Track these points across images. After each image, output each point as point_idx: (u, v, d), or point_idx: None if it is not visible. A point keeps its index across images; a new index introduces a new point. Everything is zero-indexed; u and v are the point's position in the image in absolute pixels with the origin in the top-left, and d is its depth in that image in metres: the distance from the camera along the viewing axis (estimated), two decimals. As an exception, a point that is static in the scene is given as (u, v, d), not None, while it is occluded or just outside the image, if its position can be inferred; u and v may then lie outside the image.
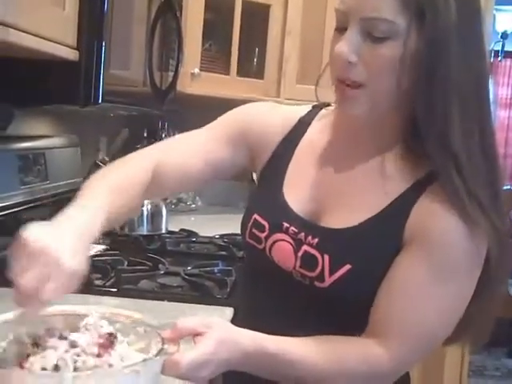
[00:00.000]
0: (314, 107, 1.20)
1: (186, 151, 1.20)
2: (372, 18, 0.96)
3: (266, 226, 1.10)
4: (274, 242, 1.09)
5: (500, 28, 6.06)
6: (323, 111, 1.19)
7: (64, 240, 0.88)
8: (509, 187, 4.81)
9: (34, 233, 0.87)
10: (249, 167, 1.23)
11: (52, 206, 1.99)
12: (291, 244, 1.07)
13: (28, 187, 1.80)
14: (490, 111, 1.02)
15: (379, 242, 1.01)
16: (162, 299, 1.51)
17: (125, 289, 1.55)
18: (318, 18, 2.71)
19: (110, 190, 1.03)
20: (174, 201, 2.94)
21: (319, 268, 1.02)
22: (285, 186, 1.13)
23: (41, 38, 1.20)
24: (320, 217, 1.08)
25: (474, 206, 0.95)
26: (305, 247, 1.05)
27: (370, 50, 0.97)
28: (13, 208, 1.71)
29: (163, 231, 2.23)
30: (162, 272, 1.71)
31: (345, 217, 1.04)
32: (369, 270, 1.00)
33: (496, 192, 1.00)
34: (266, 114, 1.21)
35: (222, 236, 2.24)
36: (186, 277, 1.66)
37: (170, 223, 2.33)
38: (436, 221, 0.97)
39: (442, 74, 0.96)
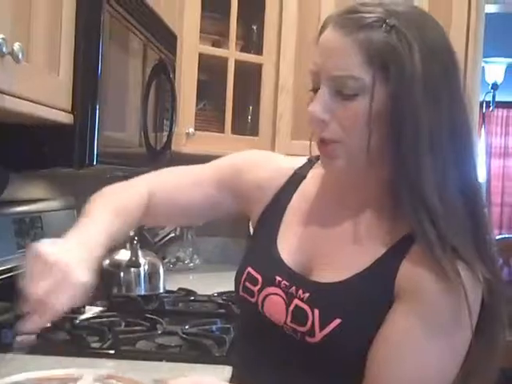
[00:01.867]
0: (309, 160, 1.22)
1: (176, 184, 1.25)
2: (339, 76, 0.98)
3: (260, 279, 1.11)
4: (266, 296, 1.09)
5: (490, 79, 6.15)
6: (317, 164, 1.19)
7: (74, 254, 0.97)
8: (506, 236, 4.80)
9: (47, 246, 0.97)
10: (239, 213, 1.25)
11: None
12: (283, 298, 1.07)
13: (25, 251, 1.79)
14: (470, 159, 1.02)
15: (369, 296, 1.01)
16: (161, 359, 1.50)
17: (122, 350, 1.54)
18: (308, 76, 2.73)
19: (111, 212, 1.11)
20: (173, 260, 2.94)
21: (309, 323, 1.02)
22: (279, 238, 1.14)
23: (36, 103, 1.22)
24: (311, 271, 1.08)
25: (452, 260, 0.94)
26: (296, 301, 1.05)
27: (342, 107, 0.99)
28: (10, 272, 1.71)
29: (161, 291, 2.22)
30: (160, 332, 1.70)
31: (334, 271, 1.05)
32: (359, 324, 1.00)
33: (483, 240, 0.99)
34: (263, 165, 1.23)
35: (220, 294, 2.23)
36: (185, 336, 1.64)
37: (169, 282, 2.32)
38: (421, 279, 0.97)
39: (410, 128, 0.96)
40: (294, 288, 1.06)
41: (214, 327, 1.76)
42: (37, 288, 0.92)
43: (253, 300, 1.10)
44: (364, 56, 0.97)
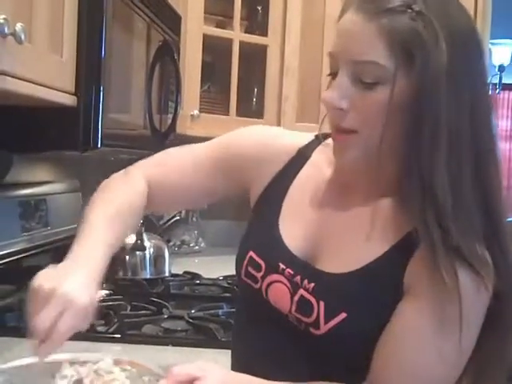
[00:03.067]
0: (316, 137, 1.17)
1: (175, 169, 1.21)
2: (360, 62, 0.94)
3: (263, 265, 1.07)
4: (271, 283, 1.06)
5: (496, 61, 6.10)
6: (324, 143, 1.14)
7: (73, 278, 0.94)
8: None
9: (43, 277, 0.93)
10: (238, 194, 1.22)
11: (54, 252, 1.98)
12: (287, 287, 1.04)
13: (29, 234, 1.79)
14: (490, 156, 0.97)
15: (376, 291, 0.98)
16: (167, 344, 1.49)
17: (128, 334, 1.53)
18: (315, 56, 2.72)
19: (111, 220, 1.07)
20: (178, 243, 2.93)
21: (315, 314, 1.00)
22: (281, 221, 1.09)
23: (38, 85, 1.20)
24: (317, 258, 1.05)
25: (452, 264, 0.91)
26: (301, 291, 1.02)
27: (361, 96, 0.95)
28: (14, 255, 1.71)
29: (166, 274, 2.21)
30: (166, 316, 1.69)
31: (341, 261, 1.02)
32: (364, 319, 0.98)
33: (496, 241, 0.96)
34: (264, 143, 1.17)
35: (225, 277, 2.23)
36: (190, 320, 1.63)
37: (174, 266, 2.31)
38: (428, 277, 0.93)
39: (429, 122, 0.92)
40: (298, 277, 1.03)
41: (219, 311, 1.75)
42: (41, 319, 0.90)
43: (256, 286, 1.07)
44: (388, 43, 0.92)
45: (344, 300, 0.99)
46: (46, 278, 0.93)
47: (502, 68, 6.16)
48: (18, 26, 1.05)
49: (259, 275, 1.07)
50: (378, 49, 0.92)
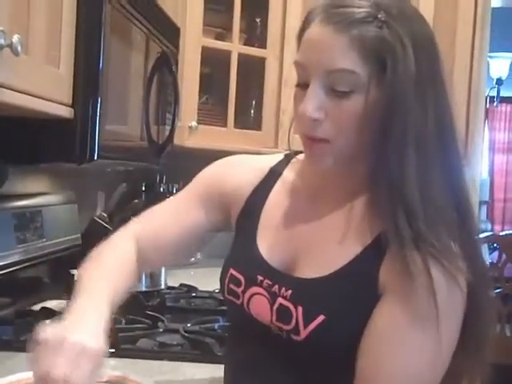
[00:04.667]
0: (286, 156, 1.20)
1: (160, 222, 1.21)
2: (335, 71, 0.95)
3: (242, 280, 1.09)
4: (251, 296, 1.07)
5: (494, 74, 6.11)
6: (295, 159, 1.18)
7: (82, 327, 0.92)
8: (510, 231, 4.78)
9: (49, 330, 0.91)
10: (226, 223, 1.22)
11: (49, 264, 1.97)
12: (266, 297, 1.05)
13: (24, 246, 1.78)
14: (455, 157, 1.01)
15: (352, 292, 0.99)
16: (162, 359, 1.47)
17: (123, 349, 1.51)
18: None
19: (107, 279, 1.06)
20: (174, 255, 2.91)
21: (294, 320, 1.00)
22: (258, 237, 1.12)
23: (35, 97, 1.20)
24: (293, 267, 1.06)
25: (424, 262, 0.91)
26: (279, 300, 1.03)
27: (335, 105, 0.96)
28: (10, 267, 1.69)
29: (162, 287, 2.20)
30: (162, 330, 1.67)
31: (318, 266, 1.03)
32: (344, 321, 0.98)
33: (469, 240, 0.98)
34: (235, 168, 1.21)
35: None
36: (186, 334, 1.62)
37: (170, 278, 2.30)
38: (401, 276, 0.94)
39: (398, 125, 0.94)
40: (276, 286, 1.05)
41: (215, 325, 1.74)
42: (56, 369, 0.86)
43: (238, 302, 1.09)
44: (359, 52, 0.94)
45: (321, 303, 1.00)
46: (53, 331, 0.91)
47: (499, 81, 6.17)
48: (15, 38, 1.04)
49: (240, 290, 1.09)
50: (351, 58, 0.94)
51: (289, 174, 1.16)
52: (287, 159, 1.18)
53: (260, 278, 1.07)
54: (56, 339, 0.88)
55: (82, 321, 0.94)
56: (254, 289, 1.07)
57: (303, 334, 0.99)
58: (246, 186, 1.17)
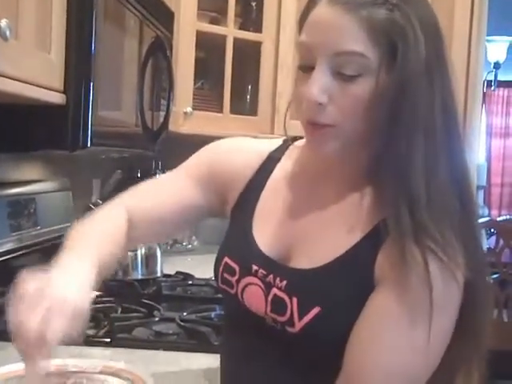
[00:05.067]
0: (284, 141, 1.16)
1: (156, 198, 1.18)
2: (343, 53, 0.91)
3: (237, 269, 1.06)
4: (245, 286, 1.05)
5: (492, 58, 6.08)
6: (293, 146, 1.15)
7: (63, 278, 0.89)
8: (508, 217, 4.77)
9: (29, 279, 0.88)
10: (222, 208, 1.19)
11: (43, 252, 1.95)
12: (261, 288, 1.03)
13: (18, 234, 1.75)
14: (459, 142, 0.98)
15: (349, 282, 0.96)
16: (158, 348, 1.46)
17: (118, 338, 1.49)
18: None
19: (97, 241, 1.02)
20: (170, 242, 2.89)
21: (288, 312, 0.98)
22: (254, 225, 1.09)
23: (25, 83, 1.17)
24: (289, 257, 1.04)
25: (423, 254, 0.89)
26: (274, 290, 1.01)
27: (341, 89, 0.93)
28: (4, 255, 1.67)
29: (158, 275, 2.18)
30: (158, 319, 1.66)
31: (312, 256, 1.00)
32: (339, 312, 0.96)
33: (470, 232, 0.95)
34: (234, 153, 1.17)
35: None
36: (182, 323, 1.60)
37: (166, 265, 2.28)
38: (397, 266, 0.91)
39: (407, 111, 0.92)
40: (271, 276, 1.02)
41: (212, 314, 1.72)
42: (28, 321, 0.83)
43: (232, 291, 1.07)
44: (369, 34, 0.90)
45: (316, 294, 0.97)
46: (32, 280, 0.88)
47: (497, 65, 6.14)
48: (3, 23, 1.02)
49: (234, 279, 1.06)
50: (361, 39, 0.91)
51: (287, 161, 1.13)
52: (285, 145, 1.15)
53: (255, 267, 1.04)
54: (33, 289, 0.86)
55: (66, 275, 0.90)
56: (249, 278, 1.04)
57: (298, 326, 0.97)
58: (245, 171, 1.14)
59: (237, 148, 1.19)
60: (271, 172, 1.12)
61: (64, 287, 0.87)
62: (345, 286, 0.96)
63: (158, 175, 2.66)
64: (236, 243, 1.10)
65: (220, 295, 1.94)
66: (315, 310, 0.96)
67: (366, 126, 0.94)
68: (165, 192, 1.18)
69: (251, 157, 1.15)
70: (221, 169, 1.16)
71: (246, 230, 1.09)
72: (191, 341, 1.53)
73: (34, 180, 1.96)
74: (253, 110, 2.77)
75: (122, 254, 1.10)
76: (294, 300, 0.98)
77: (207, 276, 2.22)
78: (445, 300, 0.91)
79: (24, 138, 1.41)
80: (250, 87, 2.84)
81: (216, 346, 1.47)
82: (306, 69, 0.96)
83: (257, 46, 2.73)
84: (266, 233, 1.07)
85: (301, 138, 1.15)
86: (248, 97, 2.86)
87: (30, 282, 0.87)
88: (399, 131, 0.92)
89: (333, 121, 0.94)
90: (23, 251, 1.77)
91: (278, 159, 1.13)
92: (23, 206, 1.81)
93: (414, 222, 0.90)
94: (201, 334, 1.54)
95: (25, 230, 1.79)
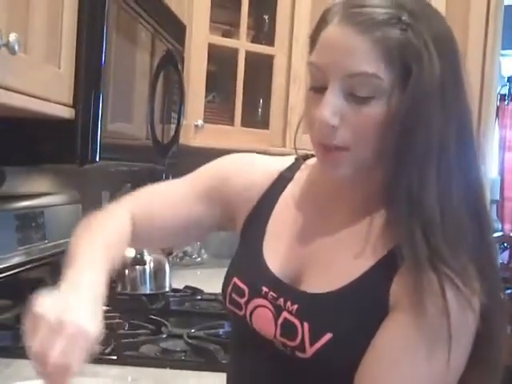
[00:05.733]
0: (296, 160, 1.14)
1: (158, 205, 1.15)
2: (356, 74, 0.89)
3: (246, 290, 1.03)
4: (254, 309, 1.02)
5: (506, 72, 6.05)
6: (305, 165, 1.12)
7: (80, 305, 0.87)
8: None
9: (45, 304, 0.85)
10: (229, 224, 1.16)
11: (52, 265, 1.93)
12: (271, 311, 1.00)
13: (26, 247, 1.74)
14: (475, 165, 0.95)
15: (362, 308, 0.93)
16: (165, 366, 1.44)
17: (125, 356, 1.47)
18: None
19: (101, 249, 1.00)
20: (180, 254, 2.88)
21: (299, 337, 0.95)
22: (265, 246, 1.06)
23: (34, 97, 1.15)
24: (300, 280, 1.01)
25: (440, 283, 0.86)
26: (285, 314, 0.98)
27: (354, 111, 0.90)
28: (12, 269, 1.66)
29: (167, 289, 2.16)
30: (165, 335, 1.64)
31: (325, 280, 0.97)
32: (351, 339, 0.93)
33: (486, 257, 0.93)
34: (244, 170, 1.14)
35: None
36: (190, 340, 1.58)
37: (175, 279, 2.27)
38: (413, 293, 0.88)
39: (421, 135, 0.89)
40: (281, 300, 0.99)
41: (220, 331, 1.70)
42: (52, 352, 0.82)
43: (241, 313, 1.04)
44: (383, 55, 0.88)
45: (328, 320, 0.95)
46: (49, 307, 0.85)
47: (511, 79, 6.11)
48: (12, 37, 1.00)
49: (242, 301, 1.03)
50: (374, 61, 0.88)
51: (299, 181, 1.10)
52: (297, 164, 1.13)
53: (265, 289, 1.01)
54: (53, 318, 0.84)
55: (80, 297, 0.88)
56: (258, 301, 1.02)
57: (309, 351, 0.94)
58: (254, 190, 1.11)
59: (247, 165, 1.16)
60: (282, 192, 1.10)
61: (81, 316, 0.85)
62: (357, 312, 0.93)
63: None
64: (246, 264, 1.08)
65: (229, 311, 1.94)
66: (327, 336, 0.93)
67: (379, 148, 0.92)
68: (169, 202, 1.16)
69: (261, 175, 1.12)
70: (229, 186, 1.13)
71: (256, 251, 1.06)
72: (198, 359, 1.51)
73: (43, 193, 1.95)
74: (264, 124, 2.76)
75: (124, 256, 1.10)
76: (306, 325, 0.95)
77: (216, 290, 2.19)
78: (460, 328, 0.88)
79: (33, 152, 1.40)
80: (261, 100, 2.83)
81: (223, 364, 1.45)
82: (317, 90, 0.94)
83: (269, 59, 2.72)
84: (276, 254, 1.05)
85: (313, 155, 1.13)
86: (260, 110, 2.84)
87: (45, 306, 0.85)
88: (411, 156, 0.89)
89: (345, 143, 0.92)
90: (31, 265, 1.76)
91: (290, 179, 1.11)
92: (31, 220, 1.79)
93: (429, 247, 0.88)
94: (208, 351, 1.51)
95: (33, 244, 1.78)
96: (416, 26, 0.89)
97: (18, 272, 1.69)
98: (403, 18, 0.89)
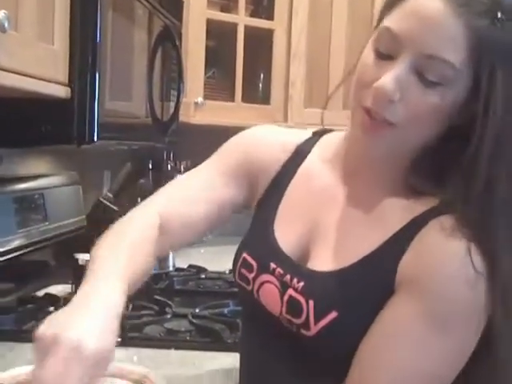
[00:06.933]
0: (314, 134, 1.11)
1: (186, 198, 1.11)
2: (435, 57, 0.83)
3: (255, 266, 1.02)
4: (262, 284, 1.01)
5: None
6: (323, 140, 1.10)
7: (79, 321, 0.80)
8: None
9: (47, 322, 0.80)
10: (251, 201, 1.14)
11: (53, 248, 1.91)
12: (277, 287, 0.99)
13: (26, 230, 1.72)
14: None
15: (368, 287, 0.91)
16: (169, 347, 1.42)
17: (129, 337, 1.45)
18: (322, 41, 2.66)
19: (126, 256, 0.93)
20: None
21: (304, 315, 0.94)
22: (276, 221, 1.04)
23: (27, 76, 1.13)
24: (310, 257, 0.99)
25: (468, 246, 0.84)
26: (290, 291, 0.97)
27: (418, 93, 0.86)
28: (12, 253, 1.63)
29: (171, 269, 2.15)
30: (169, 316, 1.62)
31: (334, 258, 0.96)
32: (357, 317, 0.91)
33: None
34: (263, 143, 1.12)
35: (232, 271, 2.14)
36: (194, 320, 1.56)
37: (179, 257, 2.25)
38: (425, 265, 0.87)
39: (495, 145, 0.84)
40: (288, 276, 0.98)
41: (225, 310, 1.68)
42: (44, 373, 0.76)
43: (248, 288, 1.03)
44: (471, 46, 0.83)
45: (334, 298, 0.93)
46: (49, 324, 0.80)
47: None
48: (1, 14, 0.98)
49: (251, 276, 1.03)
50: (460, 51, 0.83)
51: (316, 156, 1.07)
52: (315, 138, 1.10)
53: (273, 265, 1.00)
54: (48, 336, 0.78)
55: (82, 313, 0.81)
56: (265, 276, 1.00)
57: (314, 329, 0.93)
58: (273, 164, 1.09)
59: (265, 139, 1.14)
60: (299, 166, 1.07)
61: (78, 333, 0.78)
62: (365, 289, 0.92)
63: (169, 167, 2.63)
64: (256, 239, 1.07)
65: (233, 289, 1.92)
66: (332, 315, 0.91)
67: (425, 137, 0.89)
68: (198, 193, 1.11)
69: (278, 150, 1.10)
70: (251, 161, 1.11)
71: (267, 227, 1.04)
72: (204, 339, 1.49)
73: (42, 174, 1.93)
74: (265, 99, 2.73)
75: (152, 264, 1.02)
76: (311, 303, 0.94)
77: (221, 269, 2.18)
78: (472, 308, 0.85)
79: (28, 133, 1.37)
80: (262, 76, 2.80)
81: (229, 343, 1.43)
82: (381, 55, 0.88)
83: (269, 33, 2.68)
84: (287, 230, 1.03)
85: (330, 130, 1.11)
86: (260, 85, 2.82)
87: (47, 325, 0.80)
88: (479, 160, 0.85)
89: (396, 120, 0.88)
90: (32, 248, 1.74)
91: (307, 153, 1.08)
92: (31, 202, 1.77)
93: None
94: (214, 331, 1.50)
95: (33, 226, 1.76)
96: (510, 27, 0.84)
97: (18, 255, 1.67)
98: (499, 15, 0.83)
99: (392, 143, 0.90)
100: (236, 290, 1.88)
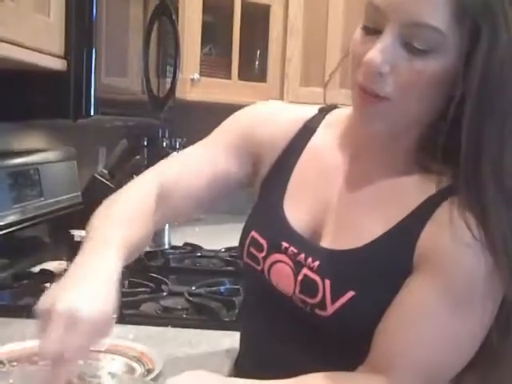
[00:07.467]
0: (320, 110, 1.10)
1: (188, 171, 1.09)
2: (420, 25, 0.83)
3: (265, 245, 1.01)
4: (273, 264, 0.99)
5: None
6: (330, 116, 1.08)
7: (74, 290, 0.81)
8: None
9: (44, 295, 0.81)
10: (254, 179, 1.12)
11: (48, 223, 1.90)
12: (290, 267, 0.97)
13: (22, 205, 1.70)
14: None
15: (386, 266, 0.91)
16: (166, 325, 1.41)
17: (125, 314, 1.44)
18: (320, 17, 2.63)
19: (123, 224, 0.93)
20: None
21: (320, 295, 0.93)
22: (286, 199, 1.03)
23: (23, 47, 1.11)
24: (323, 235, 0.98)
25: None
26: (305, 271, 0.96)
27: (407, 63, 0.85)
28: (7, 228, 1.62)
29: (166, 246, 2.13)
30: (165, 293, 1.61)
31: (349, 237, 0.95)
32: (374, 297, 0.90)
33: None
34: (269, 119, 1.10)
35: (227, 249, 2.14)
36: (191, 298, 1.55)
37: (174, 236, 2.23)
38: (444, 242, 0.86)
39: (493, 107, 0.84)
40: (302, 255, 0.97)
41: (221, 288, 1.67)
42: (46, 342, 0.77)
43: (258, 268, 1.01)
44: (455, 11, 0.82)
45: (351, 277, 0.92)
46: (46, 296, 0.81)
47: None
48: (-2, -17, 0.95)
49: (261, 256, 1.01)
50: (443, 14, 0.82)
51: (325, 132, 1.06)
52: (321, 115, 1.09)
53: (285, 244, 0.99)
54: (45, 306, 0.79)
55: (78, 281, 0.82)
56: (277, 256, 0.99)
57: (330, 309, 0.92)
58: (279, 141, 1.07)
59: (272, 114, 1.12)
60: (307, 142, 1.06)
61: (73, 300, 0.79)
62: (383, 269, 0.91)
63: (164, 143, 2.61)
64: (265, 217, 1.04)
65: (229, 267, 1.92)
66: (349, 294, 0.91)
67: (421, 108, 0.88)
68: (200, 165, 1.10)
69: (286, 125, 1.08)
70: (255, 137, 1.09)
71: (276, 205, 1.03)
72: (200, 316, 1.48)
73: (37, 149, 1.91)
74: (262, 76, 2.71)
75: (150, 233, 1.01)
76: (327, 283, 0.93)
77: (216, 247, 2.17)
78: (489, 291, 0.85)
79: (24, 107, 1.35)
80: (258, 52, 2.78)
81: (225, 322, 1.43)
82: (369, 30, 0.88)
83: (266, 9, 2.66)
84: (298, 208, 1.01)
85: (336, 107, 1.09)
86: (257, 62, 2.79)
87: (43, 299, 0.81)
88: (489, 122, 0.84)
89: (388, 94, 0.87)
90: (27, 223, 1.73)
91: (315, 130, 1.07)
92: (26, 177, 1.76)
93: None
94: (210, 309, 1.49)
95: (28, 202, 1.74)
96: None
97: (13, 230, 1.66)
98: None
99: (388, 118, 0.89)
100: (232, 268, 1.90)
